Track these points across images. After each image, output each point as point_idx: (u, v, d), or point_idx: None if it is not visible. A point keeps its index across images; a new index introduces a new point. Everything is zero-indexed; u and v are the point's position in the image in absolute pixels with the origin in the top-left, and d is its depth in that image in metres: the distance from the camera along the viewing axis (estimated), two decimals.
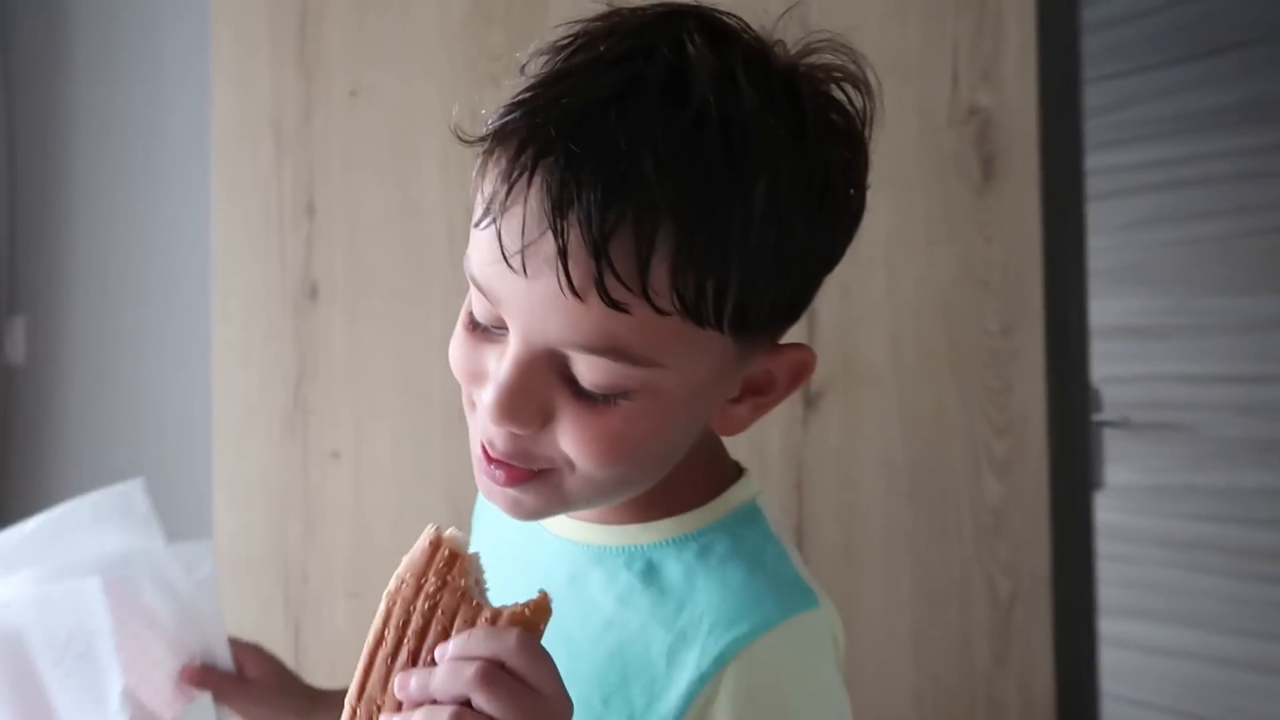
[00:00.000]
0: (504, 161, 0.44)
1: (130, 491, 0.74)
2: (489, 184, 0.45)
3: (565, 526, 0.55)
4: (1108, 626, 1.46)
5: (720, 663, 0.48)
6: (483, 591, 0.47)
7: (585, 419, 0.46)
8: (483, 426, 0.48)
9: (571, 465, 0.47)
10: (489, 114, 0.46)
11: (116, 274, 1.95)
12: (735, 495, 0.54)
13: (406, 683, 0.45)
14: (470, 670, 0.43)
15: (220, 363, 1.40)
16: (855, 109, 0.51)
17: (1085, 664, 1.25)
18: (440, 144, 1.24)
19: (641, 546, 0.53)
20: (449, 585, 0.46)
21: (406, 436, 1.22)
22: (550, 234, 0.42)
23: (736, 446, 1.11)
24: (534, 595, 0.46)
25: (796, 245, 0.46)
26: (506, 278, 0.44)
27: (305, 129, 1.29)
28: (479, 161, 0.46)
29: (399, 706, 0.45)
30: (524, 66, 0.48)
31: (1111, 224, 2.10)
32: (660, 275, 0.43)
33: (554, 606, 0.46)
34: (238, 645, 0.73)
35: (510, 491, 0.49)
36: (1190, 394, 2.07)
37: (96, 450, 1.96)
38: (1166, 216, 2.08)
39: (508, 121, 0.45)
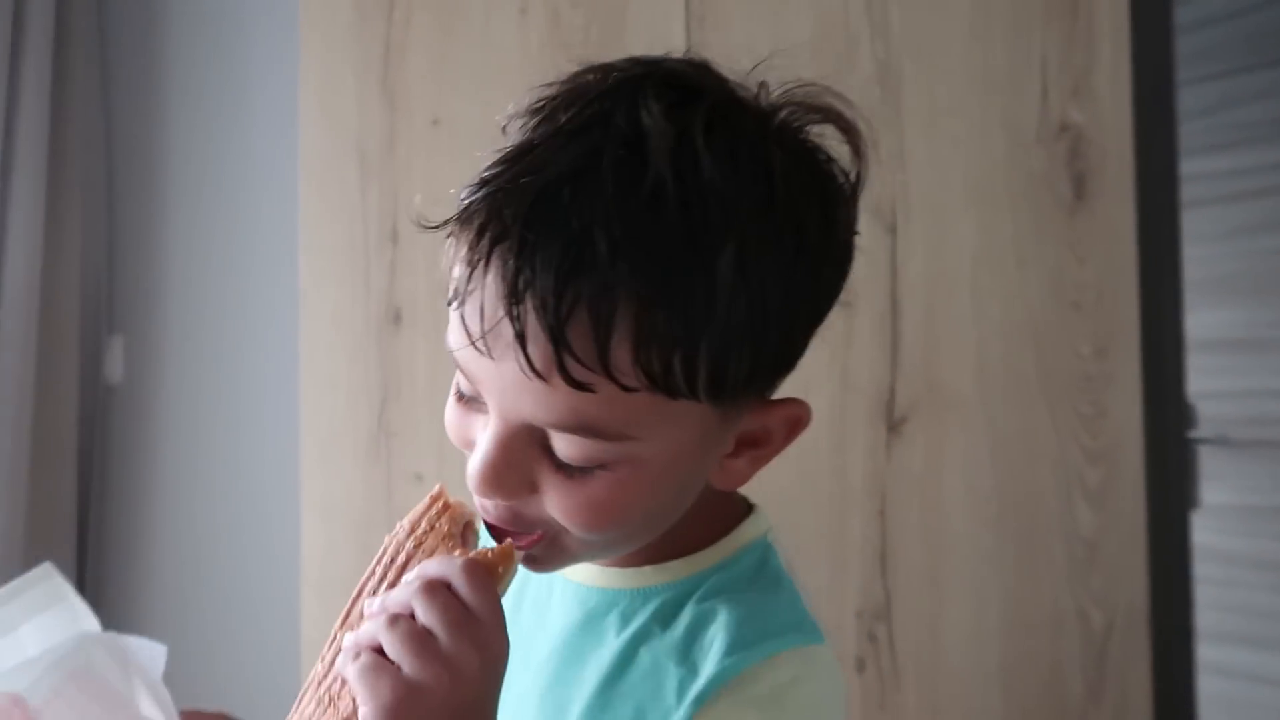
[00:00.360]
0: (464, 247, 0.45)
1: (47, 577, 0.68)
2: (456, 266, 0.46)
3: (580, 573, 0.55)
4: (1206, 653, 1.41)
5: (718, 682, 0.49)
6: (475, 541, 0.50)
7: (567, 488, 0.47)
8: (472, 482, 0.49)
9: (565, 529, 0.48)
10: (459, 190, 0.47)
11: (210, 296, 2.02)
12: (746, 532, 0.55)
13: (371, 602, 0.47)
14: (415, 584, 0.46)
15: (308, 385, 1.43)
16: (837, 158, 0.49)
17: (1184, 695, 1.21)
18: None
19: (655, 588, 0.53)
20: (435, 529, 0.50)
21: None
22: (506, 326, 0.43)
23: (817, 472, 1.10)
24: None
25: (772, 307, 0.45)
26: (477, 359, 0.45)
27: (389, 157, 1.32)
28: (448, 241, 0.47)
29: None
30: (504, 128, 0.49)
31: (1208, 232, 2.01)
32: (622, 354, 0.42)
33: (568, 650, 0.49)
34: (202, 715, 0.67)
35: (521, 551, 0.49)
36: None
37: (190, 466, 2.03)
38: (1266, 224, 1.99)
39: (471, 202, 0.45)
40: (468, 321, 0.44)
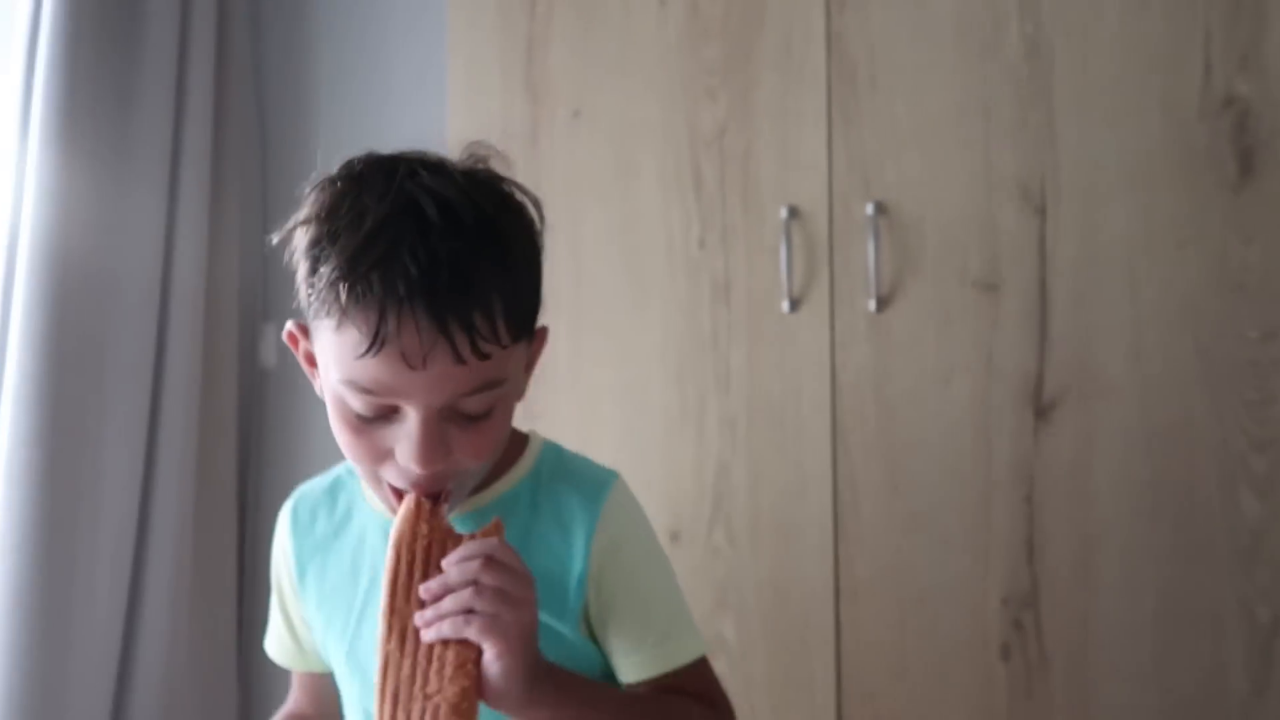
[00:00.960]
0: (371, 317, 0.65)
1: None
2: (354, 330, 0.66)
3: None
4: None
5: (589, 538, 0.77)
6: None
7: (471, 434, 0.69)
8: (404, 478, 0.70)
9: (469, 469, 0.71)
10: (311, 279, 0.68)
11: None
12: (535, 443, 0.81)
13: (430, 586, 0.67)
14: (475, 562, 0.67)
15: None
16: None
17: None
18: (658, 160, 1.28)
19: (500, 497, 0.78)
20: (435, 527, 0.68)
21: (626, 443, 1.27)
22: (442, 341, 0.65)
23: (961, 458, 1.09)
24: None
25: (535, 270, 0.72)
26: (403, 375, 0.66)
27: (532, 150, 1.37)
28: (317, 310, 0.68)
29: (422, 606, 0.67)
30: (300, 228, 0.71)
31: None
32: (501, 328, 0.67)
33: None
34: None
35: (443, 506, 0.70)
36: None
37: (336, 446, 2.13)
38: None
39: (349, 291, 0.65)
40: (404, 353, 0.65)
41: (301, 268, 0.70)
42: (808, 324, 1.17)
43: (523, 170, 1.38)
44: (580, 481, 0.80)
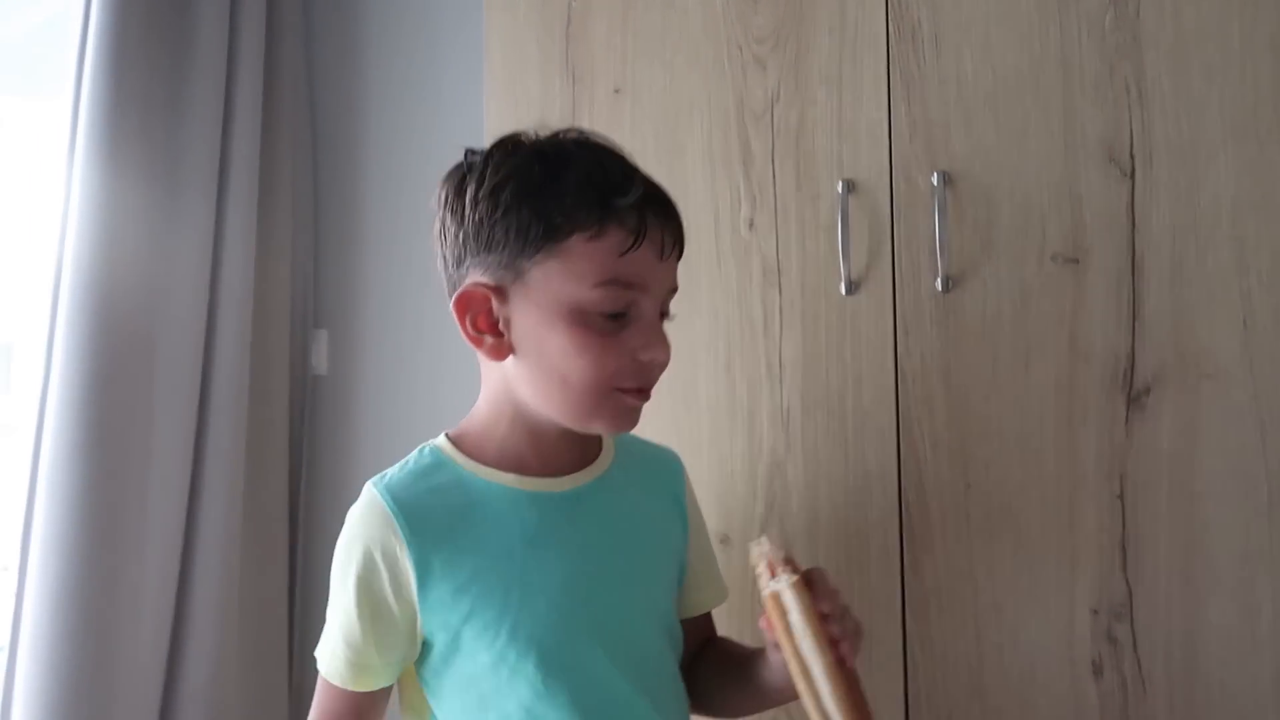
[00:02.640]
0: (631, 217, 0.81)
1: None
2: (618, 230, 0.80)
3: (547, 484, 0.86)
4: None
5: (683, 500, 0.97)
6: (792, 565, 0.79)
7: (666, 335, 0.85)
8: (638, 376, 0.82)
9: (661, 371, 0.85)
10: (538, 215, 0.80)
11: (407, 287, 2.08)
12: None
13: (822, 627, 0.78)
14: (838, 607, 0.79)
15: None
16: None
17: None
18: (704, 136, 1.19)
19: (608, 471, 0.90)
20: (792, 586, 0.77)
21: (671, 439, 1.18)
22: (671, 237, 0.84)
23: (1043, 451, 0.98)
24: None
25: None
26: (652, 266, 0.82)
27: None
28: (559, 232, 0.80)
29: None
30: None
31: None
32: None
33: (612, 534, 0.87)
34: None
35: (640, 409, 0.84)
36: None
37: (388, 450, 2.09)
38: None
39: (610, 200, 0.80)
40: (659, 244, 0.83)
41: (509, 219, 0.79)
42: (868, 307, 1.07)
43: None
44: (655, 452, 0.97)
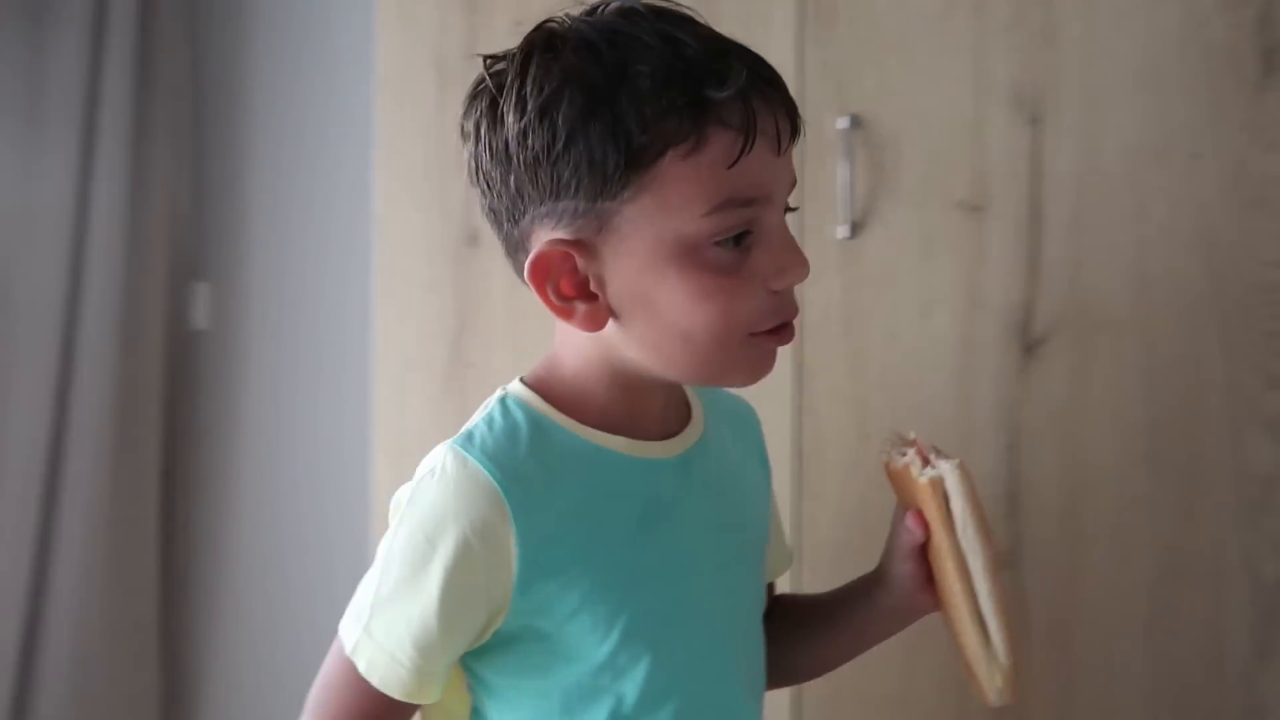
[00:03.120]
0: (737, 110, 0.61)
1: None
2: (723, 135, 0.61)
3: (656, 449, 0.71)
4: None
5: (763, 451, 0.84)
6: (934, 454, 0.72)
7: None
8: (778, 311, 0.66)
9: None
10: (617, 137, 0.61)
11: (290, 238, 1.98)
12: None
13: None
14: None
15: (382, 315, 1.36)
16: None
17: None
18: None
19: (707, 429, 0.76)
20: (960, 501, 0.70)
21: None
22: (786, 118, 0.65)
23: (939, 400, 0.97)
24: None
25: None
26: (769, 166, 0.64)
27: (468, 65, 1.22)
28: (648, 154, 0.61)
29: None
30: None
31: None
32: None
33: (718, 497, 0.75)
34: None
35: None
36: None
37: (271, 408, 2.00)
38: None
39: (707, 99, 0.61)
40: (774, 136, 0.64)
41: (574, 151, 0.61)
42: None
43: (460, 91, 1.25)
44: (735, 404, 0.83)
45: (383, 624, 0.66)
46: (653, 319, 0.64)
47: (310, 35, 1.90)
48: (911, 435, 0.73)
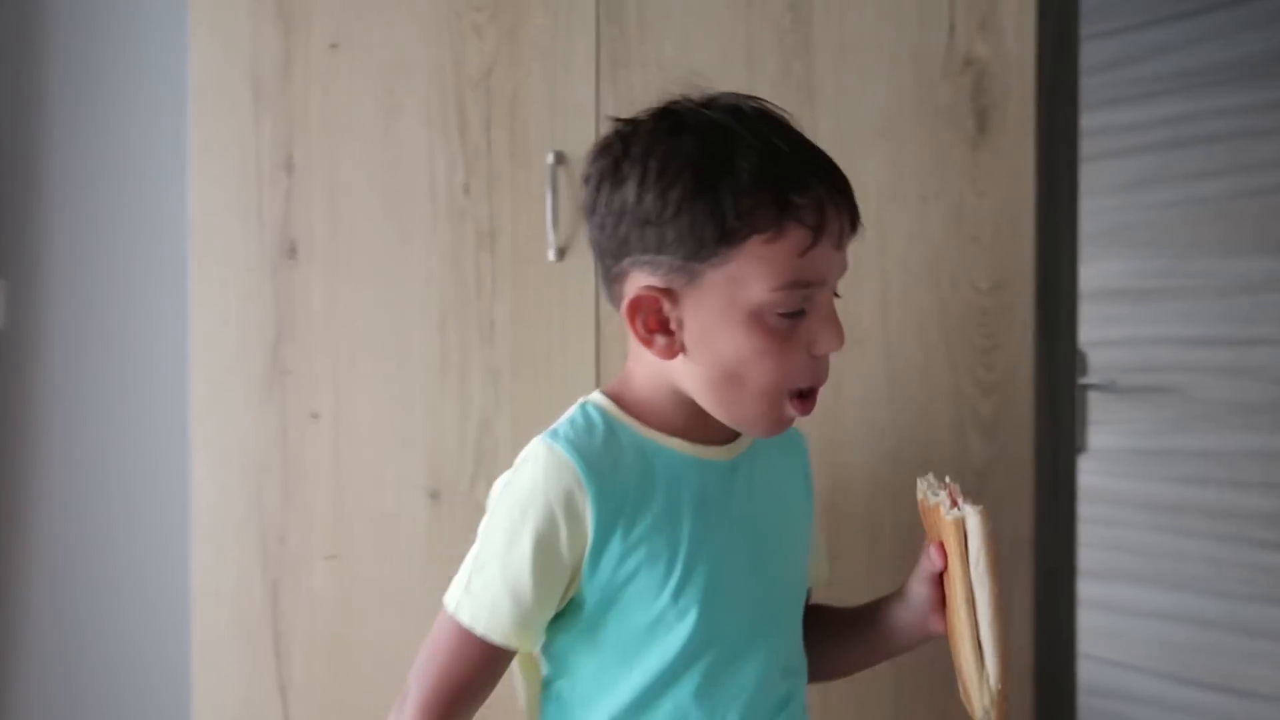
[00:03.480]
0: (811, 211, 0.76)
1: None
2: (797, 229, 0.75)
3: (710, 451, 0.84)
4: (1088, 589, 1.46)
5: (808, 466, 0.94)
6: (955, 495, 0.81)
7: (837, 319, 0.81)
8: (812, 374, 0.80)
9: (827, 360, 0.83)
10: (712, 217, 0.75)
11: (96, 235, 1.92)
12: None
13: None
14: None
15: (198, 323, 1.37)
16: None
17: (1064, 625, 1.25)
18: (423, 97, 1.21)
19: (754, 443, 0.86)
20: (977, 540, 0.78)
21: (386, 398, 1.21)
22: (848, 221, 0.79)
23: None
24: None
25: None
26: (828, 257, 0.78)
27: (284, 82, 1.26)
28: (736, 237, 0.75)
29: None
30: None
31: (1106, 185, 2.07)
32: None
33: (775, 499, 0.89)
34: None
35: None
36: (1179, 357, 2.06)
37: (78, 412, 1.94)
38: (1161, 177, 2.06)
39: (789, 199, 0.75)
40: (837, 234, 0.78)
41: (680, 221, 0.75)
42: (574, 274, 1.15)
43: (275, 106, 1.28)
44: None
45: (481, 581, 0.81)
46: (714, 362, 0.78)
47: (118, 32, 1.84)
48: (947, 479, 0.83)
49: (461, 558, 1.14)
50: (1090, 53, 2.00)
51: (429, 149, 1.20)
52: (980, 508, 0.78)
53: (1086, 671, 1.45)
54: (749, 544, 0.83)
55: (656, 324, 0.79)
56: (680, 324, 0.78)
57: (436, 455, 1.19)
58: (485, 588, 0.81)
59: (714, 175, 0.75)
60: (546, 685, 0.86)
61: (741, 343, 0.77)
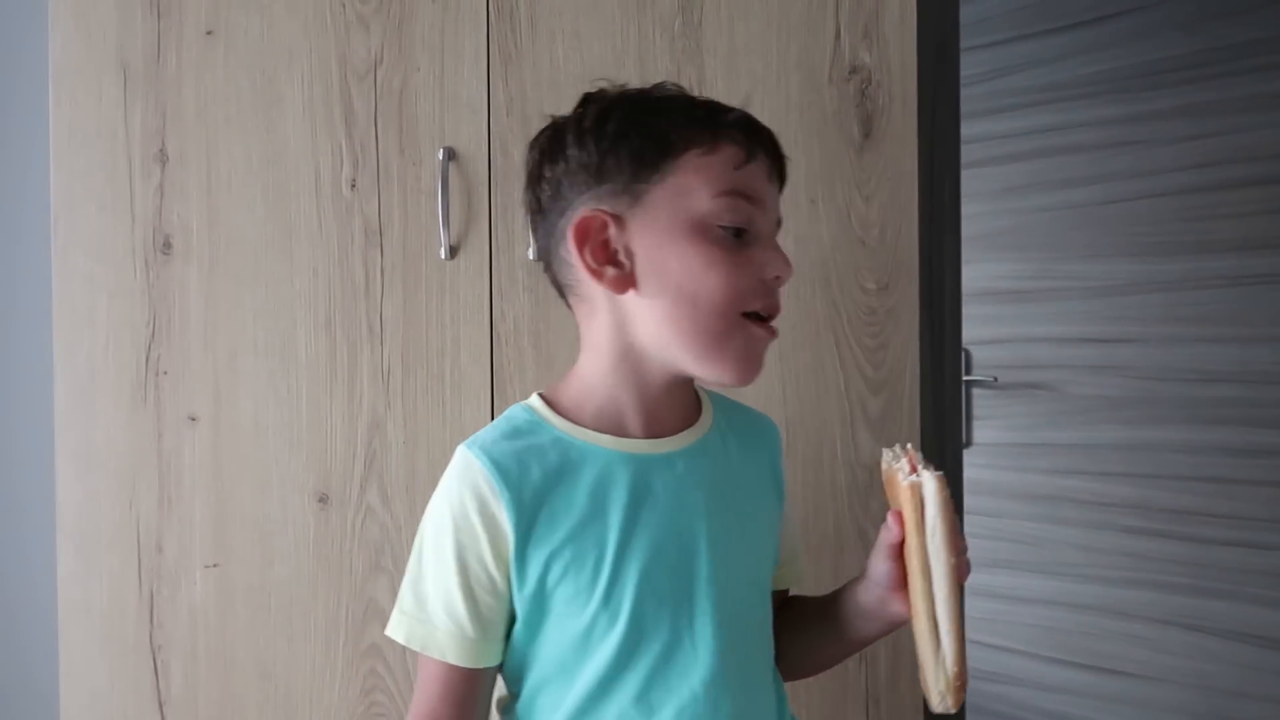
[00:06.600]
0: (740, 134, 0.80)
1: None
2: (730, 145, 0.79)
3: (647, 445, 0.82)
4: (972, 578, 1.52)
5: (779, 462, 0.91)
6: (921, 466, 0.77)
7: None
8: (765, 296, 0.80)
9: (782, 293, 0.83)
10: (646, 137, 0.79)
11: None
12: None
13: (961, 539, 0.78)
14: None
15: (62, 321, 1.29)
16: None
17: None
18: (306, 89, 1.16)
19: (712, 430, 0.86)
20: (934, 508, 0.75)
21: (269, 398, 1.16)
22: (776, 166, 0.83)
23: None
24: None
25: None
26: (763, 187, 0.80)
27: (156, 70, 1.20)
28: (674, 149, 0.79)
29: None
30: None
31: (984, 190, 2.16)
32: None
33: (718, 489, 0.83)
34: None
35: (765, 350, 0.81)
36: (1052, 354, 2.17)
37: None
38: (1035, 184, 2.16)
39: (720, 119, 0.80)
40: (766, 167, 0.81)
41: (621, 145, 0.78)
42: (466, 271, 1.13)
43: (147, 95, 1.22)
44: (754, 418, 0.92)
45: (413, 598, 0.80)
46: (665, 285, 0.78)
47: None
48: (909, 446, 0.80)
49: (352, 564, 1.11)
50: (968, 64, 2.09)
51: (312, 143, 1.16)
52: (940, 474, 0.75)
53: (971, 656, 1.50)
54: (694, 540, 0.80)
55: (604, 254, 0.79)
56: (630, 253, 0.79)
57: (324, 458, 1.15)
58: (419, 604, 0.80)
59: (647, 110, 0.80)
60: (504, 707, 0.83)
61: (690, 257, 0.77)
